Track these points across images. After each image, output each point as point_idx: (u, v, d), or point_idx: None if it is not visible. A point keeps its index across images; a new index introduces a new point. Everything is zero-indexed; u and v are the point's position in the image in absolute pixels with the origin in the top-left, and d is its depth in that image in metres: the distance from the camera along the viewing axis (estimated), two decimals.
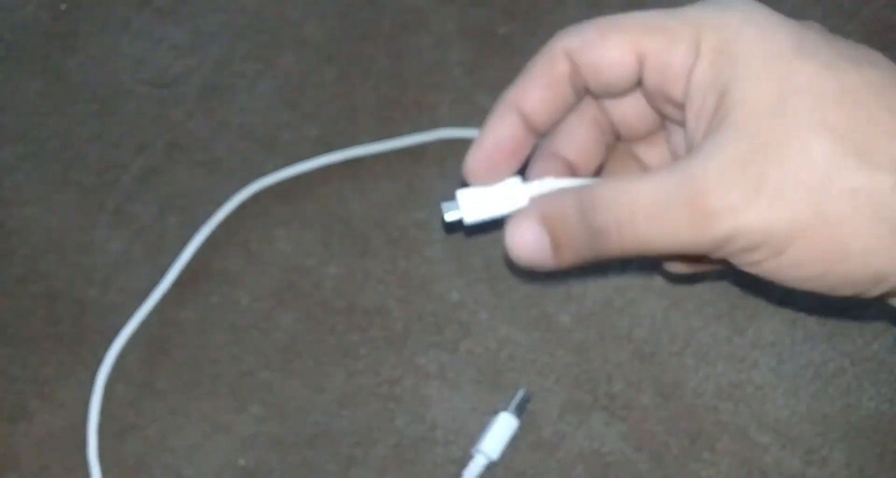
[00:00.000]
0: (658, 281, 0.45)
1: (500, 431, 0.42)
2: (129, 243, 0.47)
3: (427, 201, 0.47)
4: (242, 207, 0.47)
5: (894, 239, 0.30)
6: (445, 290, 0.46)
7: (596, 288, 0.45)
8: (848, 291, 0.32)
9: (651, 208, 0.31)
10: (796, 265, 0.31)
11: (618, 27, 0.34)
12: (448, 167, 0.48)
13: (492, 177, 0.35)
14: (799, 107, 0.30)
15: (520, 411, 0.43)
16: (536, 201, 0.34)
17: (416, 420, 0.43)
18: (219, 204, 0.47)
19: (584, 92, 0.36)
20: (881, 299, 0.33)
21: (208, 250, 0.47)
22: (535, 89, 0.36)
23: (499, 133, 0.35)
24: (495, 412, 0.43)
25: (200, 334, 0.46)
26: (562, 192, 0.33)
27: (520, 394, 0.43)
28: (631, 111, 0.37)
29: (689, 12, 0.33)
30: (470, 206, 0.36)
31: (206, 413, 0.44)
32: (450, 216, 0.36)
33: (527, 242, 0.34)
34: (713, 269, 0.38)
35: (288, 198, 0.48)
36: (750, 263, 0.31)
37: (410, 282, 0.46)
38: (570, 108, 0.36)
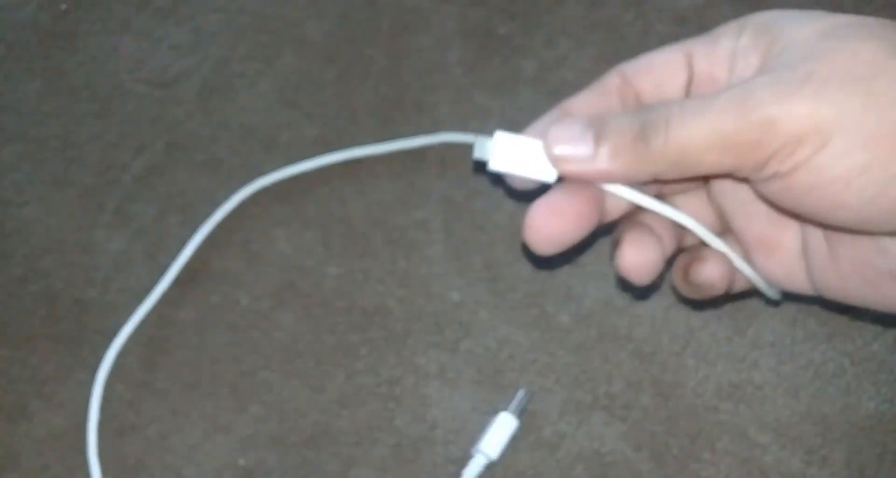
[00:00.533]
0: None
1: (500, 431, 0.42)
2: (129, 243, 0.47)
3: (427, 201, 0.47)
4: (242, 207, 0.48)
5: None
6: (445, 290, 0.46)
7: (596, 288, 0.45)
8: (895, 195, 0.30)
9: (700, 105, 0.32)
10: (843, 155, 0.30)
11: (668, 45, 0.36)
12: (448, 167, 0.48)
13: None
14: (845, 30, 0.31)
15: (520, 411, 0.43)
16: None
17: (416, 420, 0.43)
18: (219, 204, 0.47)
19: (634, 104, 0.36)
20: None
21: (208, 250, 0.47)
22: (585, 100, 0.36)
23: (539, 133, 0.35)
24: (495, 412, 0.43)
25: (200, 334, 0.46)
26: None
27: (520, 394, 0.43)
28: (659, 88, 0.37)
29: (733, 21, 0.35)
30: (501, 153, 0.34)
31: (206, 413, 0.44)
32: (478, 154, 0.35)
33: (568, 133, 0.33)
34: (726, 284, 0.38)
35: (288, 198, 0.48)
36: (794, 166, 0.31)
37: (410, 282, 0.46)
38: None
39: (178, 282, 0.46)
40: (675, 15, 0.50)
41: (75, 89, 0.51)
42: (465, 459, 0.42)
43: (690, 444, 0.42)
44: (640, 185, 0.35)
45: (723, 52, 0.35)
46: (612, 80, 0.36)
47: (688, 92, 0.36)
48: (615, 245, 0.37)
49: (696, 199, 0.39)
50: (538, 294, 0.45)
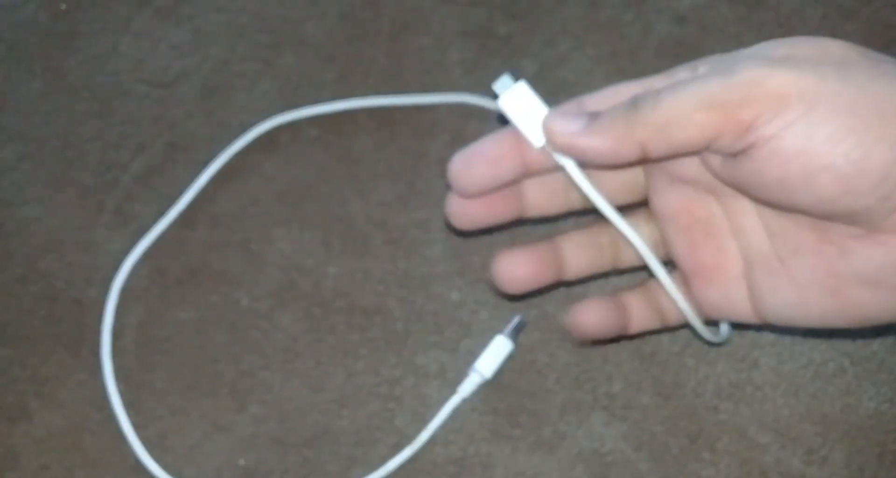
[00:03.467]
0: None
1: (495, 352, 0.44)
2: (129, 243, 0.47)
3: (427, 201, 0.47)
4: (242, 207, 0.48)
5: None
6: (445, 290, 0.46)
7: (596, 288, 0.45)
8: (881, 159, 0.31)
9: (688, 78, 0.33)
10: (826, 119, 0.30)
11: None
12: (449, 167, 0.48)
13: (475, 179, 0.36)
14: (808, 39, 0.33)
15: (514, 336, 0.44)
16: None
17: (416, 420, 0.43)
18: (219, 204, 0.47)
19: None
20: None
21: (208, 250, 0.47)
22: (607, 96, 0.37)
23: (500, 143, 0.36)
24: (495, 412, 0.43)
25: (200, 334, 0.46)
26: None
27: (516, 319, 0.44)
28: None
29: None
30: (513, 98, 0.35)
31: (205, 413, 0.44)
32: (498, 88, 0.36)
33: (568, 110, 0.35)
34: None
35: (288, 198, 0.48)
36: (782, 126, 0.31)
37: (410, 282, 0.46)
38: None
39: (178, 282, 0.46)
40: (675, 15, 0.50)
41: (75, 89, 0.51)
42: (465, 459, 0.42)
43: (690, 444, 0.42)
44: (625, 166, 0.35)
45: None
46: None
47: None
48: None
49: (639, 220, 0.39)
50: (538, 294, 0.45)
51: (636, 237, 0.36)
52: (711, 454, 0.42)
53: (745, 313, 0.37)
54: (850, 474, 0.41)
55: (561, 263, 0.39)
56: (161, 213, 0.47)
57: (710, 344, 0.42)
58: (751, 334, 0.44)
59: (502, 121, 0.36)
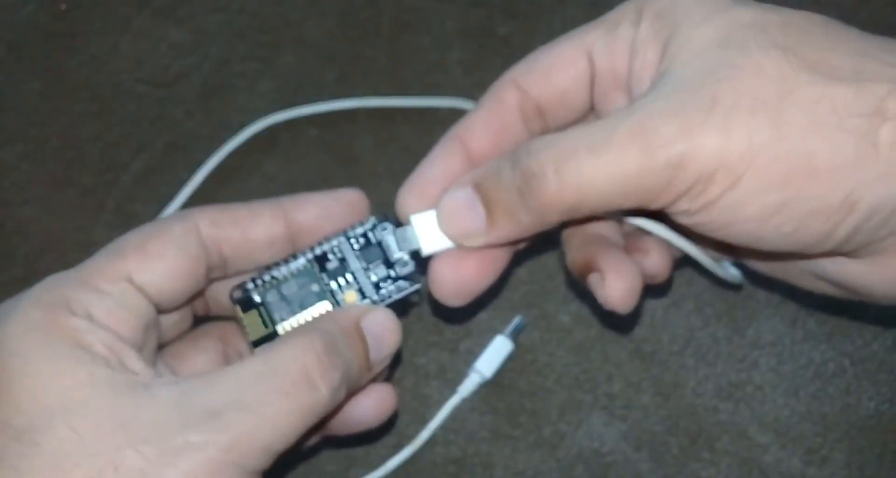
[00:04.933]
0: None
1: (495, 352, 0.43)
2: None
3: None
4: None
5: (861, 153, 0.27)
6: (447, 323, 0.45)
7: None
8: (817, 229, 0.28)
9: (594, 140, 0.28)
10: (756, 194, 0.27)
11: (563, 37, 0.33)
12: None
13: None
14: (745, 36, 0.28)
15: (515, 336, 0.44)
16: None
17: (416, 420, 0.43)
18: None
19: (536, 118, 0.34)
20: (851, 255, 0.30)
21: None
22: (481, 122, 0.34)
23: (438, 169, 0.34)
24: (495, 412, 0.43)
25: None
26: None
27: (516, 319, 0.44)
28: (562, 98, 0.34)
29: (629, 1, 0.32)
30: (426, 235, 0.33)
31: None
32: (404, 247, 0.34)
33: (458, 208, 0.31)
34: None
35: None
36: (705, 204, 0.28)
37: None
38: (516, 141, 0.34)
39: None
40: None
41: (75, 89, 0.51)
42: (464, 459, 0.42)
43: (690, 444, 0.42)
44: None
45: (622, 42, 0.32)
46: (508, 94, 0.34)
47: (592, 94, 0.34)
48: (588, 275, 0.34)
49: None
50: (538, 294, 0.45)
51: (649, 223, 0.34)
52: (711, 454, 0.42)
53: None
54: (850, 474, 0.41)
55: None
56: (161, 212, 0.47)
57: (729, 286, 0.41)
58: (751, 334, 0.44)
59: (422, 263, 0.34)
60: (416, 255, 0.34)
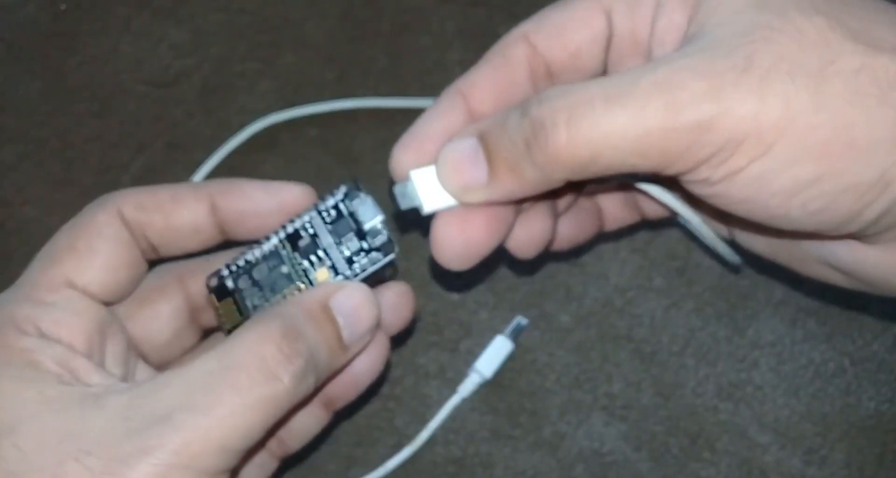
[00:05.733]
0: (658, 281, 0.45)
1: (496, 352, 0.43)
2: None
3: None
4: None
5: None
6: (445, 290, 0.46)
7: (596, 288, 0.45)
8: (847, 208, 0.26)
9: (613, 91, 0.26)
10: (788, 166, 0.25)
11: None
12: None
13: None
14: (784, 2, 0.26)
15: (515, 336, 0.44)
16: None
17: (416, 420, 0.43)
18: None
19: (545, 78, 0.31)
20: (869, 241, 0.28)
21: (208, 250, 0.47)
22: (486, 78, 0.32)
23: (437, 124, 0.31)
24: (495, 412, 0.43)
25: None
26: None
27: (517, 319, 0.44)
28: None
29: None
30: (426, 192, 0.30)
31: None
32: (405, 204, 0.31)
33: (460, 159, 0.29)
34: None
35: None
36: (727, 174, 0.26)
37: (410, 282, 0.46)
38: (523, 100, 0.30)
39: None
40: None
41: (75, 89, 0.51)
42: (464, 459, 0.42)
43: (690, 444, 0.42)
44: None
45: (646, 2, 0.29)
46: (517, 50, 0.31)
47: (607, 59, 0.31)
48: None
49: None
50: (538, 294, 0.45)
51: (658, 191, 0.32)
52: (711, 454, 0.42)
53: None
54: (850, 474, 0.41)
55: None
56: None
57: (731, 268, 0.40)
58: (751, 334, 0.44)
59: (405, 217, 0.32)
60: (398, 217, 0.32)
